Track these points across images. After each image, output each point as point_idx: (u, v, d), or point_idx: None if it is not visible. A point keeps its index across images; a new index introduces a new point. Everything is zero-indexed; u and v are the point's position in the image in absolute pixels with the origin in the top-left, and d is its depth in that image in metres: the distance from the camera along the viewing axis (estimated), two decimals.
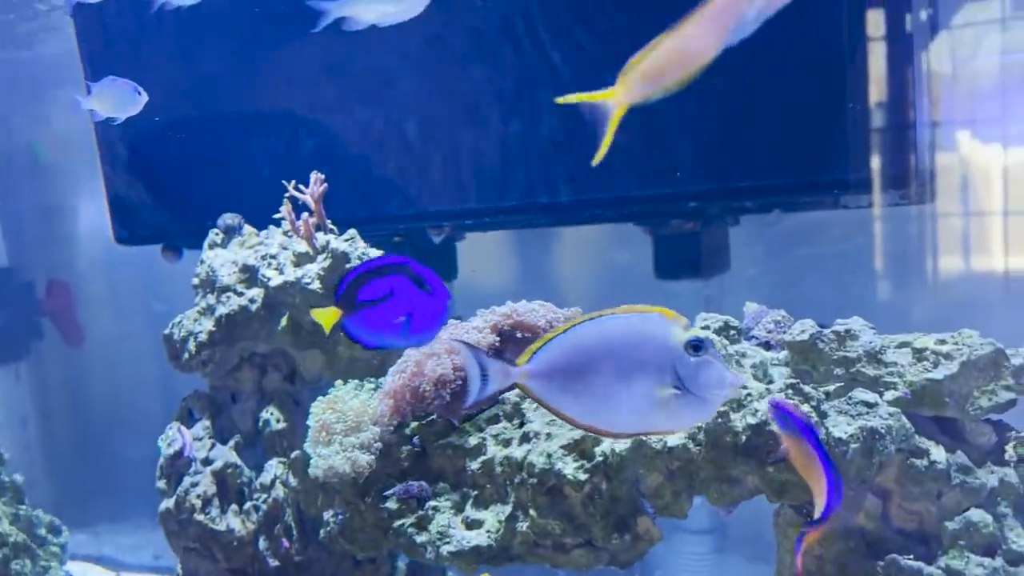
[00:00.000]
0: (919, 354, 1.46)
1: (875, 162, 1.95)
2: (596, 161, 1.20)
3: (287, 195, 1.84)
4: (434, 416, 1.65)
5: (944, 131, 3.17)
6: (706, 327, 1.71)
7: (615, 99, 1.18)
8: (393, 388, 1.63)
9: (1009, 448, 1.43)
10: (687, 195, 2.14)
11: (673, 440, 1.43)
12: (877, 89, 1.98)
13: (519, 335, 1.66)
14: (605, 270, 3.12)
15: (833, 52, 1.96)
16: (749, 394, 1.46)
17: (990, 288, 3.08)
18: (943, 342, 1.45)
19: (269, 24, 2.40)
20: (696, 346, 1.01)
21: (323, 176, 1.84)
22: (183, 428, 1.94)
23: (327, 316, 1.30)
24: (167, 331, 2.00)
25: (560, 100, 1.24)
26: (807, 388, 1.43)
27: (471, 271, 2.66)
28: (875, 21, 1.97)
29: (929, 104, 2.50)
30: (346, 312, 1.30)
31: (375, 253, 1.85)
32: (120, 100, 1.93)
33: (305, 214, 1.83)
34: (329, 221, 1.88)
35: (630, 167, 2.15)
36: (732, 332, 1.72)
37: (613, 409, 1.05)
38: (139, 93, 1.90)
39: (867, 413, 1.39)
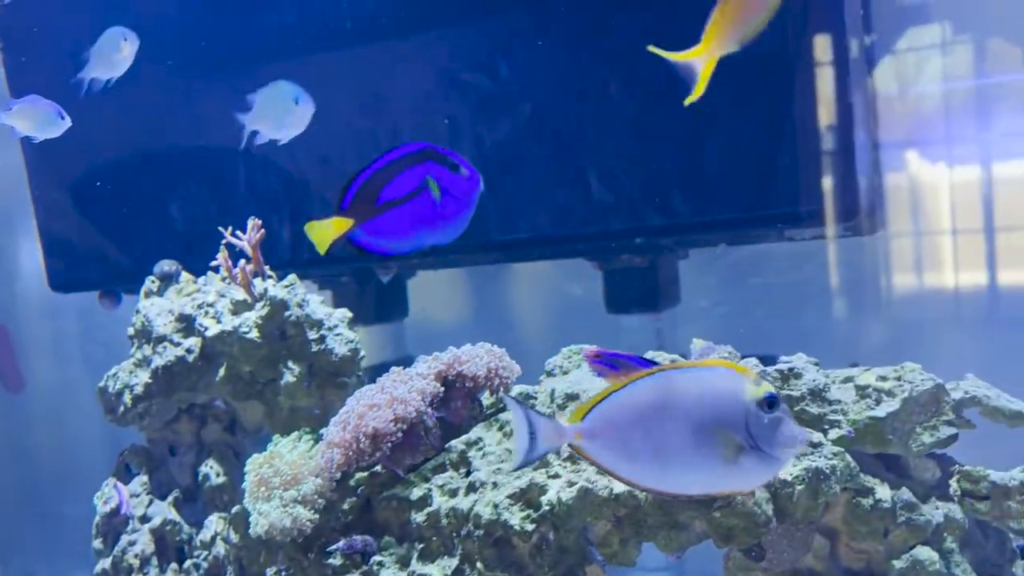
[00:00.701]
0: (862, 391, 1.45)
1: (820, 195, 1.96)
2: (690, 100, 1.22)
3: (224, 242, 1.80)
4: (378, 467, 1.61)
5: (892, 153, 3.22)
6: None
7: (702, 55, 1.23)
8: (335, 439, 1.59)
9: (953, 483, 1.43)
10: (634, 231, 2.14)
11: (619, 487, 1.40)
12: (821, 122, 2.00)
13: (464, 384, 1.63)
14: (559, 304, 3.10)
15: (776, 87, 1.98)
16: None
17: (941, 307, 3.12)
18: (884, 379, 1.45)
19: (213, 60, 2.37)
20: (771, 403, 0.96)
21: (260, 222, 1.80)
22: (119, 484, 1.87)
23: (327, 230, 1.15)
24: (102, 384, 1.94)
25: (652, 49, 1.24)
26: None
27: (421, 309, 2.63)
28: (820, 49, 1.99)
29: (875, 132, 2.54)
30: (363, 218, 1.16)
31: (314, 299, 1.81)
32: (40, 121, 1.87)
33: (243, 261, 1.79)
34: (267, 266, 1.84)
35: (578, 204, 2.15)
36: None
37: (680, 470, 0.99)
38: (62, 117, 1.84)
39: (812, 453, 1.38)
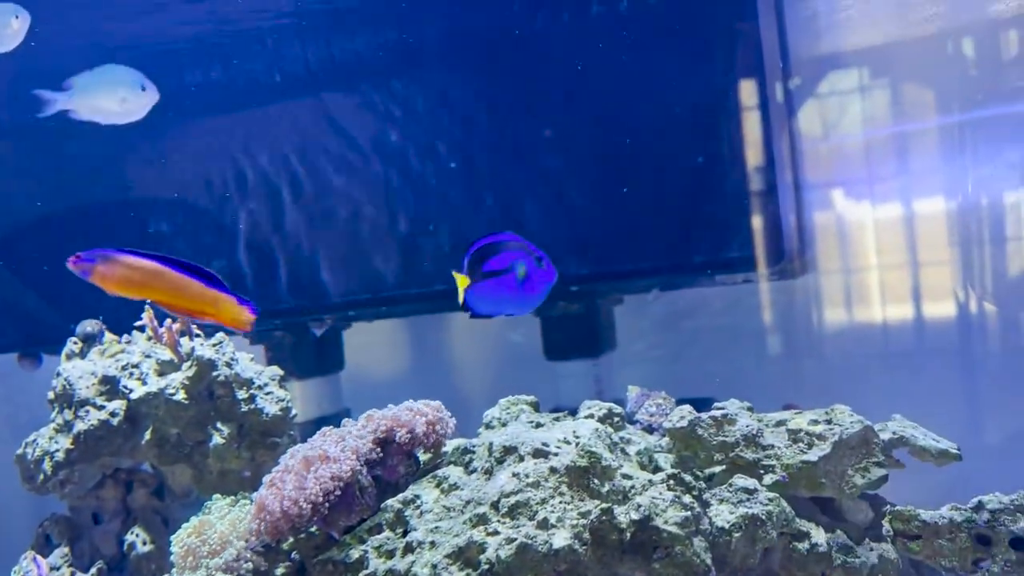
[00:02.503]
0: (794, 435, 1.47)
1: (747, 242, 2.01)
2: None
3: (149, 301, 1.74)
4: (312, 529, 1.56)
5: (818, 194, 3.32)
6: (590, 416, 1.70)
7: None
8: (265, 503, 1.54)
9: (885, 523, 1.45)
10: (568, 280, 2.15)
11: (559, 542, 1.39)
12: (746, 168, 2.05)
13: (400, 441, 1.60)
14: (500, 352, 3.10)
15: (701, 136, 2.03)
16: (633, 487, 1.45)
17: (870, 343, 3.20)
18: (816, 422, 1.47)
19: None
20: None
21: None
22: (38, 557, 1.78)
23: (461, 283, 1.46)
24: (20, 451, 1.85)
25: None
26: (687, 477, 1.41)
27: (356, 364, 2.60)
28: (743, 96, 2.04)
29: (800, 175, 2.62)
30: (473, 280, 1.48)
31: (244, 357, 1.76)
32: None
33: (168, 320, 1.74)
34: (195, 326, 1.79)
35: None
36: (616, 419, 1.71)
37: None
38: (143, 88, 1.81)
39: (748, 500, 1.39)
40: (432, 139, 2.17)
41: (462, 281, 1.49)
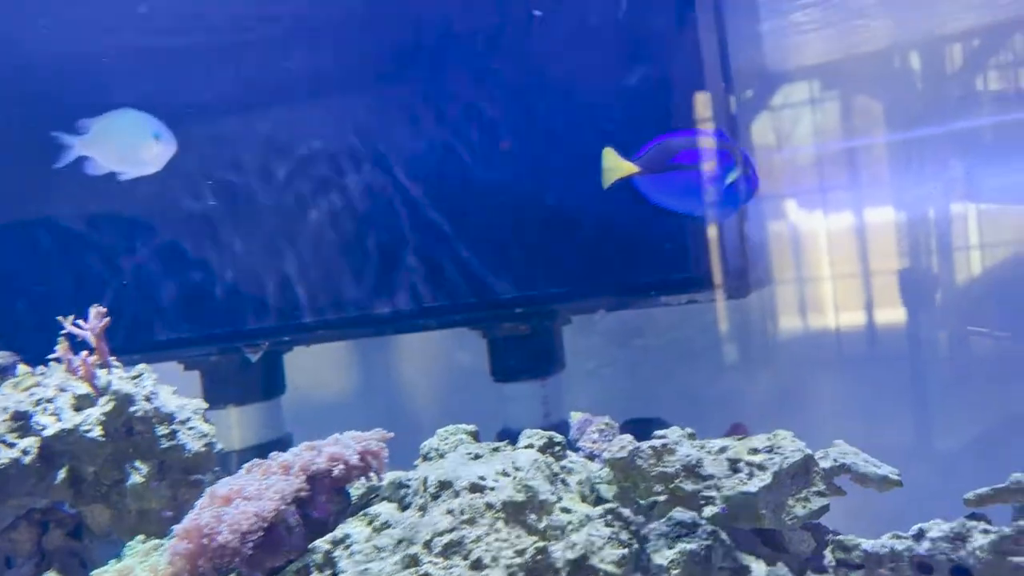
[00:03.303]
0: (734, 465, 1.43)
1: (692, 263, 1.97)
2: None
3: (63, 332, 1.66)
4: (235, 574, 1.48)
5: (772, 205, 3.31)
6: (530, 445, 1.64)
7: None
8: (183, 545, 1.45)
9: (828, 553, 1.41)
10: (514, 301, 2.10)
11: None
12: None
13: (333, 476, 1.53)
14: (448, 373, 3.04)
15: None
16: (571, 522, 1.39)
17: (822, 351, 3.20)
18: (756, 451, 1.43)
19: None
20: None
21: (104, 309, 1.67)
22: None
23: (618, 166, 1.33)
24: None
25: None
26: (625, 512, 1.37)
27: (295, 388, 2.52)
28: (686, 113, 2.01)
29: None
30: (652, 170, 1.35)
31: (165, 390, 1.68)
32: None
33: (85, 352, 1.65)
34: (113, 357, 1.71)
35: (460, 277, 2.12)
36: (558, 448, 1.65)
37: None
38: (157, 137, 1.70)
39: (687, 535, 1.34)
40: (369, 155, 2.11)
41: (627, 167, 1.37)
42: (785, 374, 2.97)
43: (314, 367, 2.84)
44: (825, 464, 1.43)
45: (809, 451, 1.42)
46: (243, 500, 1.48)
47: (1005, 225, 3.28)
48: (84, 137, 1.75)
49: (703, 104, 2.00)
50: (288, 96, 2.15)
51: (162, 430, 1.63)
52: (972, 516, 1.32)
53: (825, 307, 3.36)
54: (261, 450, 2.26)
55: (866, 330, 3.30)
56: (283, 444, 2.33)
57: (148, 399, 1.63)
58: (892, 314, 3.29)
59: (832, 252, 3.45)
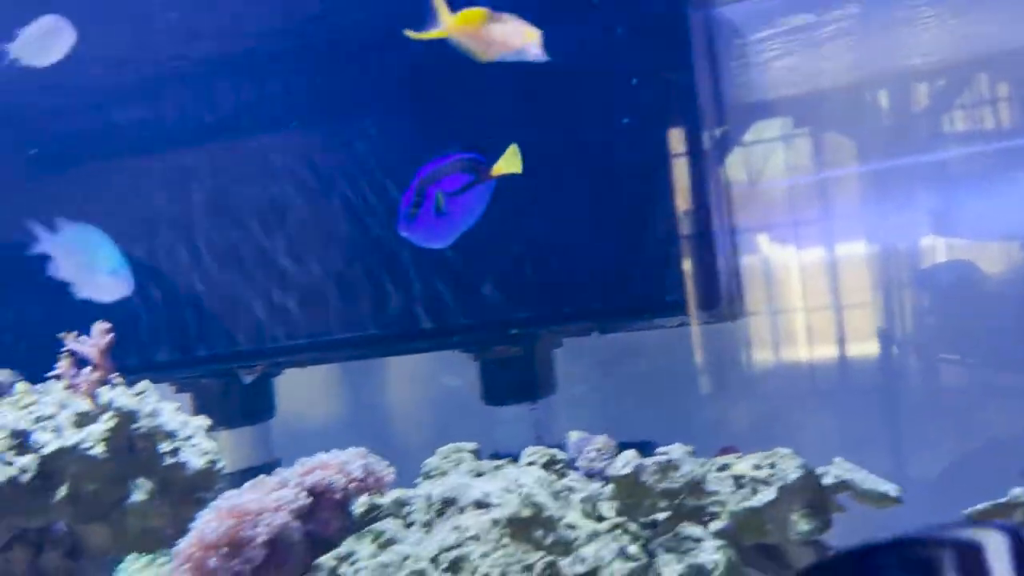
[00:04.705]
0: (738, 481, 1.46)
1: (684, 285, 2.02)
2: None
3: (65, 348, 1.65)
4: None
5: (745, 238, 3.38)
6: (532, 463, 1.66)
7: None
8: (185, 561, 1.44)
9: None
10: (507, 323, 2.13)
11: None
12: (681, 216, 2.07)
13: (335, 492, 1.53)
14: (437, 396, 3.04)
15: (640, 185, 2.05)
16: (577, 537, 1.41)
17: (799, 382, 3.25)
18: (759, 467, 1.47)
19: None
20: None
21: (108, 326, 1.66)
22: None
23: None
24: None
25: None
26: (633, 526, 1.39)
27: (285, 410, 2.51)
28: (679, 142, 2.07)
29: (730, 220, 2.66)
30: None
31: (168, 407, 1.67)
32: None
33: (87, 368, 1.64)
34: (116, 374, 1.70)
35: (451, 298, 2.14)
36: (559, 465, 1.67)
37: None
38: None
39: (694, 549, 1.36)
40: (365, 179, 2.14)
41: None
42: (766, 401, 3.02)
43: (301, 392, 2.83)
44: (827, 480, 1.46)
45: (811, 467, 1.46)
46: (247, 515, 1.48)
47: (974, 257, 3.38)
48: (55, 238, 1.77)
49: (696, 137, 2.06)
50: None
51: (165, 447, 1.62)
52: None
53: (799, 339, 3.42)
54: (248, 475, 2.24)
55: (839, 361, 3.36)
56: (271, 468, 2.31)
57: (151, 416, 1.62)
58: (865, 347, 3.37)
59: (806, 284, 3.51)
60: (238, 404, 2.43)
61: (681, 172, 2.07)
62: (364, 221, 2.18)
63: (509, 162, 1.56)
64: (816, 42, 3.07)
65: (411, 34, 1.48)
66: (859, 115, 3.59)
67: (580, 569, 1.33)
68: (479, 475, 1.62)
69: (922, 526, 0.66)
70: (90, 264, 1.77)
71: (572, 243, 2.07)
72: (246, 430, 2.45)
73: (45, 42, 1.84)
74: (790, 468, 1.45)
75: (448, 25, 1.47)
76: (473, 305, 2.14)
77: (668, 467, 1.49)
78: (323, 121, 2.19)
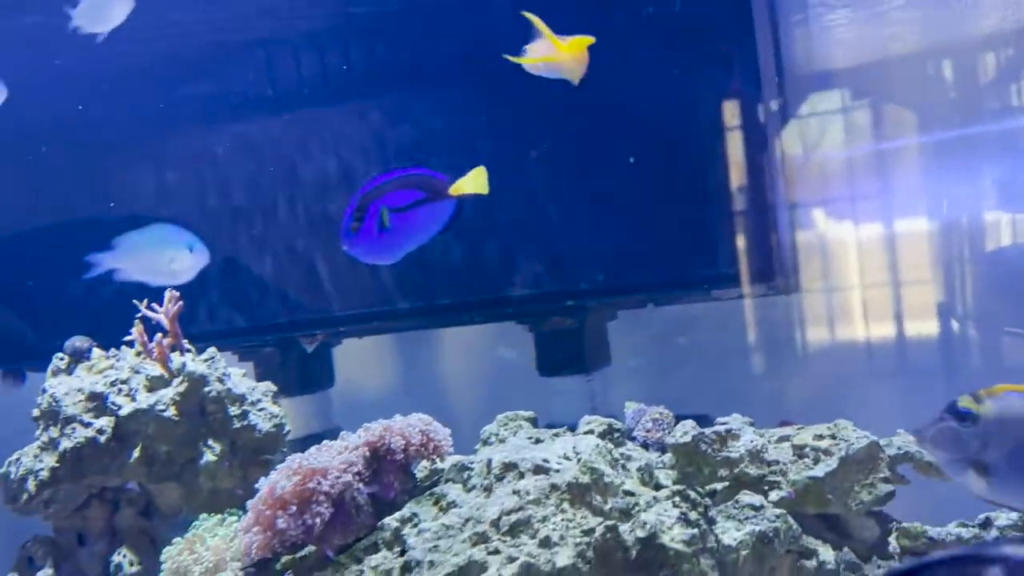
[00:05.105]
0: (799, 451, 1.46)
1: (742, 258, 2.00)
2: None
3: (139, 315, 1.70)
4: (306, 549, 1.52)
5: (801, 212, 3.33)
6: (590, 431, 1.67)
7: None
8: (256, 519, 1.49)
9: (892, 540, 1.43)
10: (564, 294, 2.13)
11: (562, 560, 1.36)
12: (740, 189, 2.05)
13: (396, 455, 1.56)
14: (491, 368, 3.07)
15: (696, 158, 2.03)
16: (636, 503, 1.42)
17: (855, 361, 3.20)
18: (820, 437, 1.46)
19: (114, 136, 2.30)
20: None
21: (178, 294, 1.72)
22: None
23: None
24: (2, 470, 1.79)
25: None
26: (692, 494, 1.39)
27: (345, 380, 2.55)
28: (740, 115, 2.04)
29: (787, 194, 2.63)
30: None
31: (236, 372, 1.72)
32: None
33: (159, 335, 1.70)
34: (186, 340, 1.75)
35: (507, 270, 2.15)
36: (617, 435, 1.68)
37: None
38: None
39: (754, 517, 1.37)
40: (431, 156, 2.16)
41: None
42: (821, 378, 2.98)
43: (359, 362, 2.88)
44: (890, 452, 1.45)
45: (874, 438, 1.44)
46: (314, 477, 1.52)
47: None
48: (113, 253, 1.85)
49: (756, 108, 2.03)
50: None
51: (234, 410, 1.67)
52: None
53: (856, 316, 3.36)
54: (308, 442, 2.30)
55: (896, 340, 3.30)
56: (331, 436, 2.36)
57: (220, 380, 1.68)
58: (924, 324, 3.30)
59: (863, 260, 3.45)
60: (298, 373, 2.48)
61: (738, 145, 2.05)
62: None
63: (473, 183, 1.54)
64: (881, 11, 2.98)
65: (511, 59, 1.49)
66: (923, 85, 3.49)
67: (640, 534, 1.34)
68: (537, 442, 1.64)
69: (975, 544, 0.68)
70: (158, 251, 1.84)
71: (628, 216, 2.06)
72: (307, 398, 2.50)
73: (103, 10, 1.91)
74: (853, 438, 1.44)
75: (559, 52, 1.49)
76: (528, 277, 2.15)
77: (727, 436, 1.49)
78: (393, 94, 2.21)
